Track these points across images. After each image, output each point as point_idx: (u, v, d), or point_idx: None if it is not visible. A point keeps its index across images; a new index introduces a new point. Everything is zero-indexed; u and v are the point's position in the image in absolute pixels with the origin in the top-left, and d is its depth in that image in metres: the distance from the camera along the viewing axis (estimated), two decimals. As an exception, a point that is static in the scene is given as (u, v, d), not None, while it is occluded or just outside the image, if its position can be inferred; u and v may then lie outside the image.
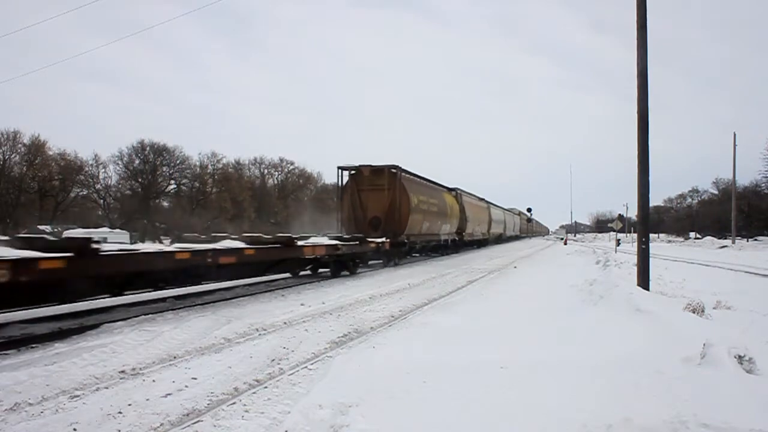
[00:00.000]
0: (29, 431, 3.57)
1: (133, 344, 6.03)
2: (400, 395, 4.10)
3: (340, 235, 14.77)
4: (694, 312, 7.24)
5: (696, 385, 4.00)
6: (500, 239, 49.53)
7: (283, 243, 11.29)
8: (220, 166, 61.38)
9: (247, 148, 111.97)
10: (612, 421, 3.42)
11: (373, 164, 19.10)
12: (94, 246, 6.81)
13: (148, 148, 55.14)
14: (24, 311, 7.07)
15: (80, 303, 7.93)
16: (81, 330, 6.86)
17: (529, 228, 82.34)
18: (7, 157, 48.81)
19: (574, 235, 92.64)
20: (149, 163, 55.73)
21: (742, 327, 6.57)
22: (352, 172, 19.43)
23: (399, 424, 3.59)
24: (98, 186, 55.43)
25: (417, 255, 25.09)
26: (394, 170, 19.06)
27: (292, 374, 4.95)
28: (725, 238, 49.17)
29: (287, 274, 13.84)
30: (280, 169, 69.08)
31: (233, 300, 9.88)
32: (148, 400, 4.17)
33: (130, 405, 4.04)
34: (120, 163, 54.97)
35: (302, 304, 9.25)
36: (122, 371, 4.97)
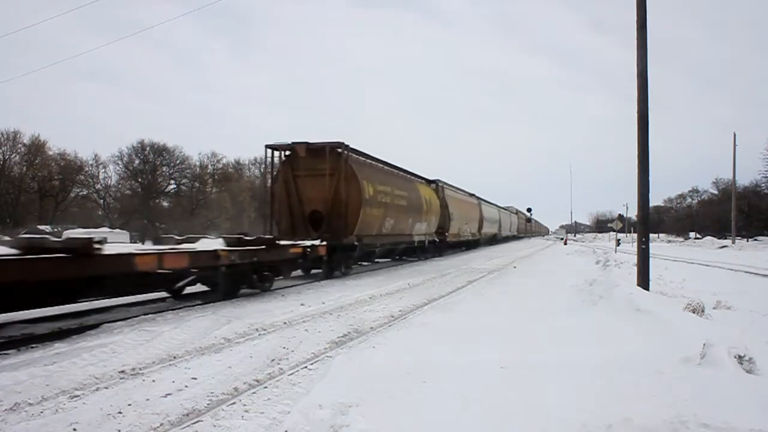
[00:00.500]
0: (29, 431, 3.57)
1: (133, 344, 6.03)
2: (400, 395, 4.10)
3: (240, 236, 10.54)
4: (694, 312, 7.24)
5: (696, 385, 3.99)
6: (494, 240, 46.35)
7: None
8: (220, 166, 61.41)
9: (247, 148, 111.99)
10: (612, 421, 3.42)
11: (310, 141, 14.80)
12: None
13: (148, 148, 55.12)
14: (24, 311, 7.06)
15: (80, 303, 7.94)
16: (81, 330, 6.86)
17: (529, 228, 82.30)
18: (7, 157, 48.83)
19: (574, 235, 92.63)
20: (149, 163, 55.70)
21: (742, 327, 6.57)
22: (287, 152, 15.19)
23: (399, 424, 3.59)
24: (98, 186, 55.47)
25: (381, 261, 20.99)
26: (338, 149, 14.64)
27: (292, 374, 4.95)
28: (725, 238, 49.18)
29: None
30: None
31: (233, 300, 9.87)
32: (148, 400, 4.17)
33: (130, 405, 4.04)
34: (120, 163, 54.99)
35: (302, 304, 9.25)
36: (122, 371, 4.97)
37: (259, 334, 6.76)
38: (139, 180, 55.29)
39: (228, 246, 9.65)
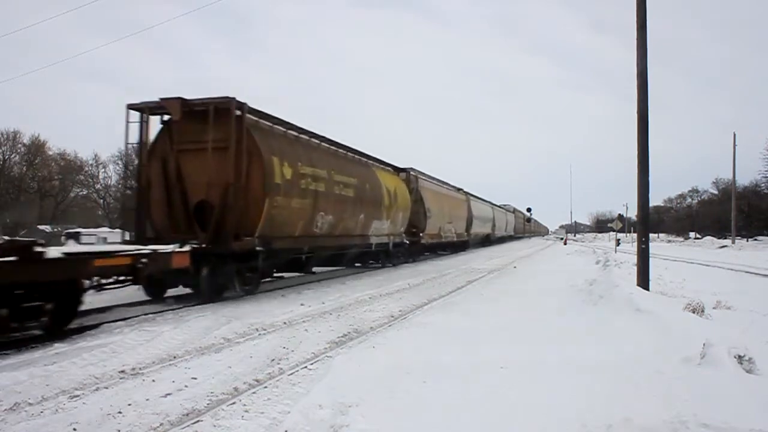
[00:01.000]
0: (29, 431, 3.57)
1: (133, 344, 6.03)
2: (400, 395, 4.10)
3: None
4: (694, 312, 7.24)
5: (696, 385, 3.99)
6: (487, 241, 41.71)
7: None
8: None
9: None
10: (612, 421, 3.41)
11: (188, 98, 9.89)
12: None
13: (148, 148, 54.97)
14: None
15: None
16: (81, 330, 6.85)
17: (528, 228, 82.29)
18: (7, 157, 48.85)
19: (574, 235, 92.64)
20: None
21: (742, 327, 6.57)
22: (164, 118, 10.41)
23: (399, 424, 3.59)
24: (98, 186, 55.46)
25: (333, 270, 16.03)
26: (235, 110, 9.71)
27: (292, 374, 4.95)
28: (725, 238, 49.18)
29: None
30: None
31: (233, 300, 9.87)
32: (147, 400, 4.16)
33: (129, 405, 4.04)
34: (120, 163, 55.00)
35: (302, 304, 9.25)
36: (122, 371, 4.97)
37: (259, 334, 6.75)
38: (139, 180, 55.13)
39: None
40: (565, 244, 51.65)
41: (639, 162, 9.48)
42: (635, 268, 9.92)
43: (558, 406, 3.79)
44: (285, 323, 7.53)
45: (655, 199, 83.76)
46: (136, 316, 7.70)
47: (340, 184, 13.30)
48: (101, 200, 56.15)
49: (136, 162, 11.02)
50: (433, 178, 25.31)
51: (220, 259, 9.37)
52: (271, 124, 11.21)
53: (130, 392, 4.36)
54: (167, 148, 10.23)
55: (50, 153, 51.73)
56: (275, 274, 12.18)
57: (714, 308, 8.29)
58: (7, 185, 47.67)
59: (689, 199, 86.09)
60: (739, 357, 4.39)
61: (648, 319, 6.69)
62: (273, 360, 5.47)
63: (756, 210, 58.59)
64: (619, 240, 36.68)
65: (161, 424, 3.67)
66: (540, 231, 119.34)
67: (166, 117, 10.36)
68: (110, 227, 45.72)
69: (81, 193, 54.97)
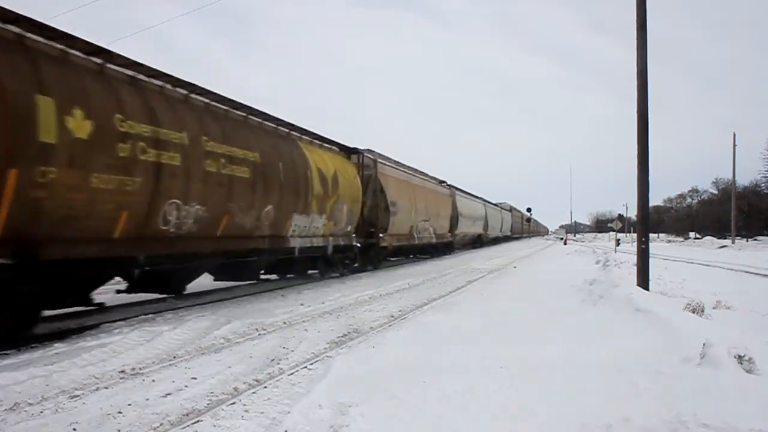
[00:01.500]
0: (29, 431, 3.57)
1: (133, 344, 6.03)
2: (401, 395, 4.09)
3: None
4: (693, 312, 7.24)
5: (696, 385, 3.99)
6: (479, 242, 38.06)
7: None
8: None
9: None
10: (612, 421, 3.42)
11: None
12: None
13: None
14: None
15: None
16: (80, 330, 6.86)
17: (528, 228, 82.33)
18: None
19: (574, 235, 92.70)
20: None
21: (742, 327, 6.57)
22: None
23: (399, 424, 3.59)
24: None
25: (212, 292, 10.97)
26: None
27: (291, 374, 4.95)
28: (725, 238, 49.20)
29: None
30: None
31: (233, 300, 9.87)
32: (147, 400, 4.16)
33: (129, 405, 4.04)
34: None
35: (302, 304, 9.25)
36: (122, 371, 4.97)
37: (259, 334, 6.76)
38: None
39: None
40: (565, 244, 51.64)
41: (639, 162, 9.48)
42: (635, 268, 9.91)
43: (558, 406, 3.79)
44: (285, 323, 7.53)
45: (655, 199, 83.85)
46: (135, 316, 7.70)
47: (223, 158, 8.75)
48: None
49: None
50: (403, 165, 20.59)
51: None
52: (63, 48, 6.56)
53: (130, 392, 4.36)
54: None
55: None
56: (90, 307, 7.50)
57: (714, 308, 8.30)
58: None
59: (689, 199, 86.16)
60: (739, 357, 4.39)
61: (648, 319, 6.69)
62: (273, 360, 5.47)
63: (756, 210, 58.61)
64: (619, 240, 36.69)
65: (161, 424, 3.67)
66: (540, 231, 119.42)
67: None
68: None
69: None
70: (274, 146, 10.74)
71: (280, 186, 10.53)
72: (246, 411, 3.94)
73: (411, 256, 24.11)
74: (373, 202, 16.32)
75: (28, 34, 6.21)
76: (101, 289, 7.66)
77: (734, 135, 44.21)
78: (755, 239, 51.94)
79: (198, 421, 3.73)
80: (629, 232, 56.64)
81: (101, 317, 7.75)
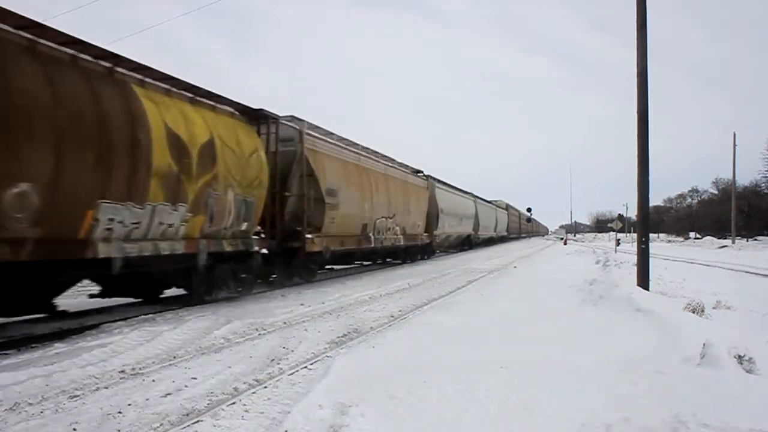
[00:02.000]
0: (29, 431, 3.57)
1: (133, 344, 6.03)
2: (401, 395, 4.09)
3: None
4: (693, 312, 7.25)
5: (696, 385, 3.99)
6: (467, 243, 33.36)
7: None
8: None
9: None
10: (611, 420, 3.42)
11: None
12: None
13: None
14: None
15: (80, 303, 7.92)
16: (81, 330, 6.86)
17: (529, 228, 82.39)
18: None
19: (574, 235, 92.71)
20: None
21: (742, 327, 6.57)
22: None
23: (399, 424, 3.59)
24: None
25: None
26: None
27: (292, 374, 4.95)
28: (725, 238, 49.19)
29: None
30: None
31: (233, 300, 9.87)
32: (147, 400, 4.17)
33: (129, 405, 4.04)
34: None
35: (302, 304, 9.25)
36: (122, 371, 4.97)
37: (259, 334, 6.76)
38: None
39: None
40: (565, 244, 51.63)
41: (639, 162, 9.48)
42: (635, 268, 9.91)
43: (558, 406, 3.79)
44: (285, 323, 7.53)
45: (655, 199, 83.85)
46: (135, 316, 7.69)
47: None
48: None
49: None
50: (353, 144, 15.78)
51: None
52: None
53: (130, 392, 4.36)
54: None
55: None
56: None
57: (714, 308, 8.29)
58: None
59: (689, 199, 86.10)
60: (739, 357, 4.39)
61: (648, 319, 6.70)
62: (273, 360, 5.47)
63: (756, 210, 58.59)
64: (619, 240, 36.69)
65: (161, 424, 3.67)
66: (540, 231, 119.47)
67: None
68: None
69: None
70: (52, 80, 6.04)
71: (56, 146, 6.01)
72: (246, 411, 3.94)
73: (373, 262, 19.28)
74: (298, 191, 11.60)
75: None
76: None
77: (734, 135, 44.20)
78: (755, 239, 51.92)
79: (198, 421, 3.73)
80: (629, 232, 56.64)
81: (101, 317, 7.75)
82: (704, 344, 4.58)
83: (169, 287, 9.37)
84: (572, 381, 4.37)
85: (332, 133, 14.58)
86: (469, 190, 34.60)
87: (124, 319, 7.44)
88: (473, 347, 5.78)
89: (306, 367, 5.22)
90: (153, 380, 4.71)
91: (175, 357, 5.55)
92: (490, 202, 44.71)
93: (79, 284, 8.24)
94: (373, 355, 5.59)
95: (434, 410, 3.80)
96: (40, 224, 5.89)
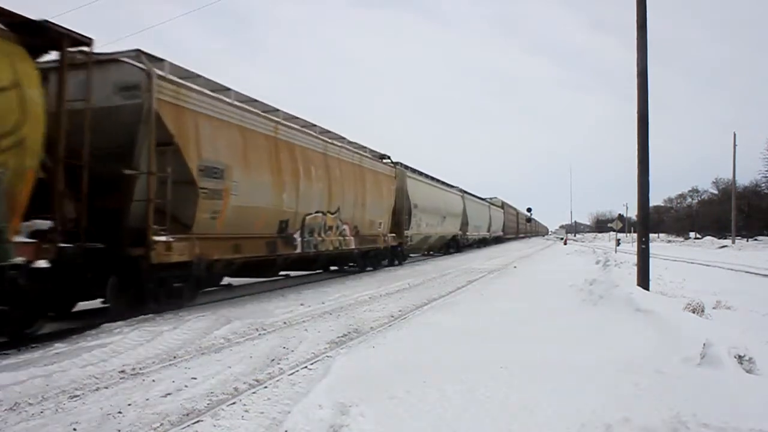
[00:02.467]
0: (29, 431, 3.57)
1: (133, 344, 6.03)
2: (401, 395, 4.09)
3: None
4: (694, 312, 7.25)
5: (696, 385, 4.00)
6: (455, 245, 29.72)
7: None
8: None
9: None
10: (611, 420, 3.42)
11: None
12: None
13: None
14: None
15: (80, 303, 7.92)
16: (81, 330, 6.85)
17: (529, 228, 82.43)
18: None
19: (574, 235, 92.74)
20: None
21: (742, 327, 6.58)
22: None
23: (399, 424, 3.59)
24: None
25: None
26: None
27: (292, 374, 4.95)
28: (725, 238, 49.20)
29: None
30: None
31: (233, 300, 9.87)
32: (147, 400, 4.17)
33: (129, 405, 4.04)
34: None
35: (302, 304, 9.25)
36: (122, 371, 4.97)
37: (259, 334, 6.76)
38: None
39: None
40: (565, 244, 51.64)
41: (639, 162, 9.48)
42: (635, 268, 9.92)
43: (558, 406, 3.79)
44: (285, 323, 7.53)
45: (655, 199, 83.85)
46: (135, 316, 7.69)
47: None
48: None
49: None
50: (260, 105, 10.94)
51: None
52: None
53: (130, 392, 4.36)
54: None
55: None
56: None
57: (714, 308, 8.30)
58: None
59: (689, 199, 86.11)
60: (739, 357, 4.39)
61: (648, 319, 6.70)
62: (273, 360, 5.47)
63: (756, 210, 58.60)
64: (619, 240, 36.71)
65: (161, 424, 3.67)
66: (540, 231, 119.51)
67: None
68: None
69: None
70: None
71: None
72: (246, 411, 3.94)
73: (312, 272, 14.51)
74: (147, 167, 7.57)
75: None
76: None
77: (734, 135, 44.24)
78: (755, 239, 51.93)
79: (198, 421, 3.73)
80: (629, 232, 56.64)
81: (101, 317, 7.74)
82: (704, 344, 4.58)
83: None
84: (572, 381, 4.37)
85: (228, 89, 9.87)
86: (455, 184, 30.20)
87: (124, 319, 7.44)
88: (473, 347, 5.78)
89: (306, 367, 5.22)
90: (153, 380, 4.71)
91: (175, 357, 5.55)
92: (483, 199, 40.70)
93: None
94: (373, 355, 5.59)
95: (434, 410, 3.80)
96: None
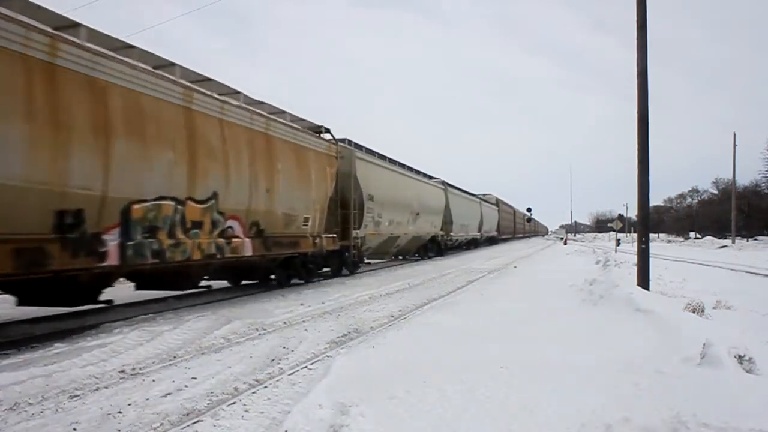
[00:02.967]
0: (29, 431, 3.57)
1: (133, 344, 6.03)
2: (401, 395, 4.09)
3: None
4: (694, 312, 7.25)
5: (696, 385, 4.00)
6: (433, 249, 25.04)
7: None
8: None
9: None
10: (611, 420, 3.42)
11: None
12: None
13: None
14: (25, 310, 6.99)
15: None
16: (81, 330, 6.86)
17: (529, 228, 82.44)
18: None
19: (574, 235, 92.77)
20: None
21: (742, 327, 6.58)
22: None
23: (399, 424, 3.58)
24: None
25: None
26: None
27: (292, 374, 4.95)
28: (725, 238, 49.20)
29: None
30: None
31: (233, 300, 9.88)
32: (147, 399, 4.17)
33: (129, 405, 4.04)
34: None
35: (302, 304, 9.25)
36: (122, 371, 4.97)
37: (259, 334, 6.76)
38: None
39: None
40: (565, 244, 51.64)
41: (639, 162, 9.48)
42: (635, 268, 9.92)
43: (558, 406, 3.79)
44: (285, 323, 7.53)
45: (655, 199, 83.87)
46: (136, 316, 7.70)
47: None
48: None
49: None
50: (50, 15, 6.23)
51: None
52: None
53: (130, 392, 4.36)
54: None
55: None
56: None
57: (714, 308, 8.30)
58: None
59: (689, 199, 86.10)
60: (739, 357, 4.39)
61: (648, 319, 6.70)
62: (273, 360, 5.47)
63: (756, 210, 58.60)
64: (619, 240, 36.70)
65: (161, 424, 3.67)
66: (540, 231, 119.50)
67: None
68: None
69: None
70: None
71: None
72: (246, 411, 3.94)
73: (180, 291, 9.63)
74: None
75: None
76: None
77: (734, 135, 44.23)
78: (755, 239, 51.93)
79: (198, 421, 3.73)
80: (629, 232, 56.65)
81: (101, 317, 7.75)
82: (704, 344, 4.58)
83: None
84: (572, 381, 4.37)
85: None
86: (434, 176, 25.57)
87: (124, 319, 7.45)
88: (473, 347, 5.78)
89: (306, 367, 5.22)
90: (153, 380, 4.71)
91: (175, 357, 5.55)
92: (473, 195, 35.49)
93: None
94: (373, 355, 5.59)
95: (434, 410, 3.80)
96: None
